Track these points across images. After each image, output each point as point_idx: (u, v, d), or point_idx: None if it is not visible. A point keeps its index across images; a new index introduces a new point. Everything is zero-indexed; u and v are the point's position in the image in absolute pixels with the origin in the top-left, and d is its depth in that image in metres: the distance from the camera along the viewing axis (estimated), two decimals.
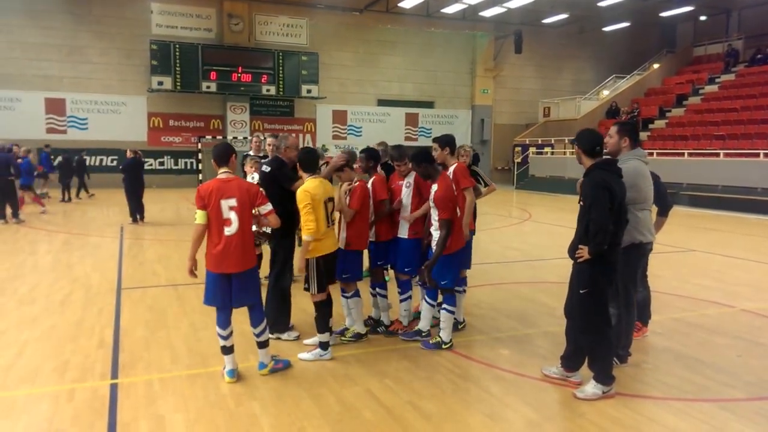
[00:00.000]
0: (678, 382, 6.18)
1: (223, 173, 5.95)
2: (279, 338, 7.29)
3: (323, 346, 6.61)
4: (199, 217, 5.84)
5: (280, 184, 7.11)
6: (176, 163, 31.68)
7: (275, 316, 7.27)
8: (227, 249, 5.84)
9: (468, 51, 38.84)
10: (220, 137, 32.04)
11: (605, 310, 5.79)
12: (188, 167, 32.19)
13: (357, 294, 7.13)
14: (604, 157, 5.88)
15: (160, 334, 7.45)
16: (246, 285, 5.99)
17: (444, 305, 6.96)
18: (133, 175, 17.40)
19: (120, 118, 31.04)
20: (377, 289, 7.57)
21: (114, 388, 5.75)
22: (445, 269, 6.82)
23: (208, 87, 31.24)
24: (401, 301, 7.56)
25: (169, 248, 13.68)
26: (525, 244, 15.14)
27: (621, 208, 5.67)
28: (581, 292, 5.70)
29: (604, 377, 5.72)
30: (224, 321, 5.99)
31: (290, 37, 34.02)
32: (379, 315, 7.67)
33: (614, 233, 5.61)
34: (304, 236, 6.20)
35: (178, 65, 30.40)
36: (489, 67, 39.10)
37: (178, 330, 7.61)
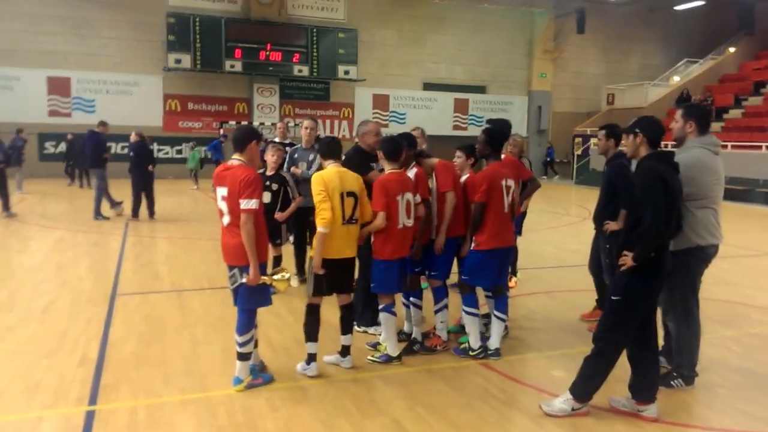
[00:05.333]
0: (757, 410, 5.87)
1: (233, 159, 5.99)
2: (366, 332, 7.73)
3: (307, 358, 6.44)
4: None
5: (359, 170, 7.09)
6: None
7: (360, 309, 7.65)
8: (221, 240, 6.06)
9: (525, 30, 38.33)
10: (246, 123, 31.87)
11: (628, 329, 5.51)
12: (209, 156, 31.59)
13: (388, 309, 6.78)
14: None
15: (154, 349, 7.15)
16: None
17: (464, 307, 6.90)
18: (138, 162, 17.10)
19: (132, 100, 30.93)
20: (412, 299, 7.27)
21: (90, 417, 5.42)
22: (473, 266, 6.85)
23: (233, 66, 31.18)
24: (436, 312, 7.30)
25: (178, 247, 13.48)
26: (584, 245, 14.52)
27: (674, 207, 5.40)
28: (612, 298, 5.47)
29: (581, 393, 5.62)
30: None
31: (326, 11, 33.83)
32: (411, 329, 7.38)
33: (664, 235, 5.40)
34: (318, 227, 6.12)
35: (198, 41, 30.37)
36: (548, 49, 38.54)
37: (176, 344, 7.32)
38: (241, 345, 6.01)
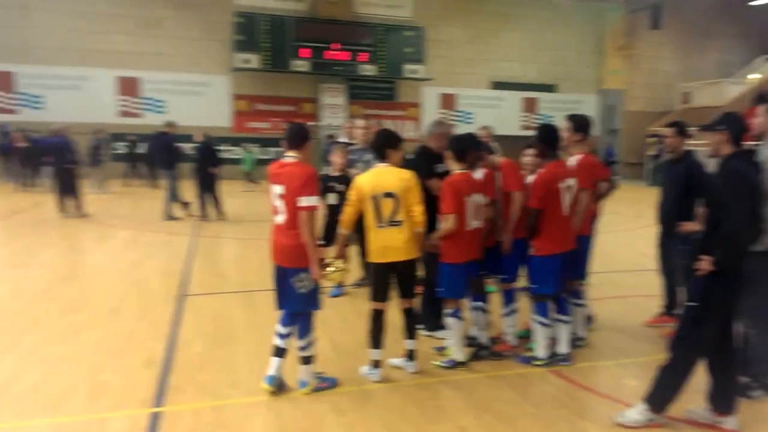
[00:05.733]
0: None
1: (287, 156, 5.91)
2: (432, 336, 7.56)
3: (372, 363, 6.38)
4: None
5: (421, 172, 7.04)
6: (264, 152, 31.45)
7: (426, 312, 7.53)
8: (275, 239, 5.94)
9: (596, 26, 37.49)
10: (314, 123, 31.90)
11: (706, 336, 5.27)
12: (277, 157, 31.08)
13: (455, 314, 6.66)
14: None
15: (221, 351, 7.16)
16: (290, 285, 5.86)
17: (534, 316, 6.73)
18: (202, 163, 17.30)
19: (201, 101, 31.08)
20: (477, 303, 7.11)
21: (155, 418, 5.44)
22: (536, 272, 6.67)
23: (300, 66, 31.15)
24: (504, 315, 7.19)
25: (248, 248, 13.54)
26: None
27: (758, 209, 5.20)
28: (689, 304, 5.29)
29: (656, 403, 5.41)
30: (285, 318, 6.05)
31: (393, 9, 33.60)
32: (478, 334, 7.20)
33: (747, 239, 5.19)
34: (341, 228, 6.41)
35: (265, 41, 30.43)
36: (620, 46, 37.59)
37: (244, 346, 7.31)
38: (303, 349, 5.97)
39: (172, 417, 5.47)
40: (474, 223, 6.55)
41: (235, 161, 29.28)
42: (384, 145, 6.27)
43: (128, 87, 30.19)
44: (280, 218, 5.81)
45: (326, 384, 6.11)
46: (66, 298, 9.24)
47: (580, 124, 7.26)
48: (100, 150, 24.15)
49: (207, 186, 17.24)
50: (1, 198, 21.60)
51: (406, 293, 6.38)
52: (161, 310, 8.70)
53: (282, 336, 5.98)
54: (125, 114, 30.12)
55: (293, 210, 5.68)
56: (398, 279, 6.28)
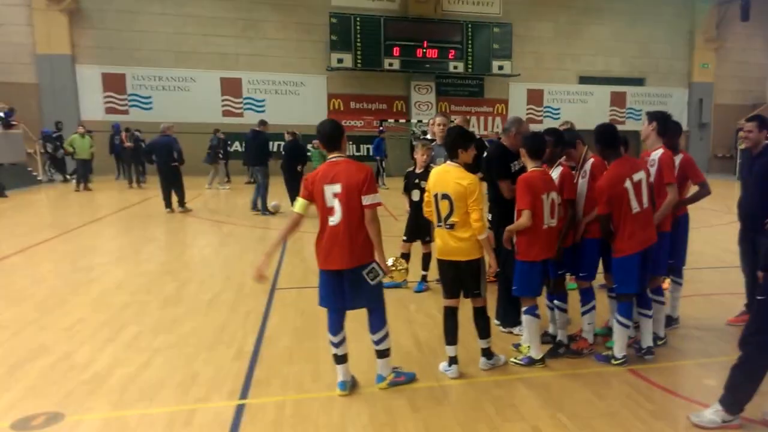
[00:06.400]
0: None
1: (333, 157, 5.80)
2: (510, 332, 7.56)
3: (448, 360, 6.34)
4: (298, 206, 5.84)
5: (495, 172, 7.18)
6: (358, 149, 31.66)
7: (504, 310, 7.59)
8: (333, 242, 5.67)
9: (685, 18, 36.44)
10: (404, 121, 31.98)
11: None
12: (370, 154, 31.08)
13: (530, 311, 6.53)
14: None
15: (307, 344, 7.24)
16: (359, 284, 5.74)
17: (617, 315, 6.54)
18: (289, 160, 17.59)
19: (299, 100, 31.52)
20: (556, 302, 6.98)
21: (240, 410, 5.54)
22: (618, 273, 6.49)
23: (391, 64, 31.22)
24: (583, 313, 7.00)
25: None
26: None
27: None
28: (758, 298, 5.09)
29: (731, 404, 5.21)
30: (334, 325, 5.93)
31: (481, 5, 33.43)
32: (556, 331, 7.10)
33: None
34: None
35: (358, 40, 30.59)
36: (710, 38, 36.43)
37: (327, 340, 7.29)
38: (378, 342, 5.98)
39: (256, 409, 5.56)
40: (550, 222, 6.45)
41: None
42: (451, 145, 6.22)
43: (231, 87, 30.79)
44: (336, 219, 5.62)
45: (403, 378, 6.12)
46: (165, 291, 9.48)
47: (656, 116, 7.04)
48: (219, 149, 24.88)
49: (293, 182, 17.39)
50: (113, 195, 22.40)
51: (471, 293, 6.27)
52: (253, 303, 8.85)
53: (336, 344, 5.93)
54: (228, 113, 30.72)
55: (354, 207, 5.56)
56: (462, 277, 6.18)
